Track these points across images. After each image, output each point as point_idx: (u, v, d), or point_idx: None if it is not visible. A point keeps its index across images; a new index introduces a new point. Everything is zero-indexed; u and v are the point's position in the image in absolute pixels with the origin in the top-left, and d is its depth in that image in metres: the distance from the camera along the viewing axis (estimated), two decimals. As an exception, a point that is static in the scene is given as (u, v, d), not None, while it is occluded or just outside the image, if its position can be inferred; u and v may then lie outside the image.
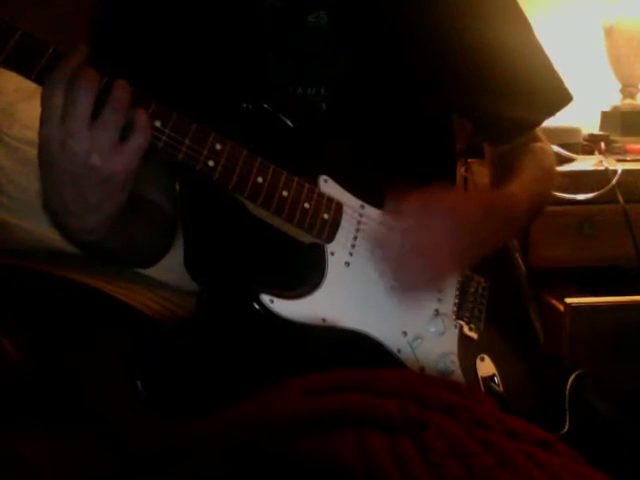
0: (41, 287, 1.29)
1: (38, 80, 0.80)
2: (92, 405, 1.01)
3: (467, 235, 0.93)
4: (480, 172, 1.68)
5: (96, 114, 0.80)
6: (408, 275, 0.93)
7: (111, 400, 1.03)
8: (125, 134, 0.82)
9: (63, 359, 1.11)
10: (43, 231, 1.45)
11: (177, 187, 1.14)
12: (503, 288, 1.08)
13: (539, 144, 1.16)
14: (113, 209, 0.86)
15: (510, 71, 1.08)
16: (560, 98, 1.14)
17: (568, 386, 1.04)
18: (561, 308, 1.63)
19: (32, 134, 1.47)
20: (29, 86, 0.83)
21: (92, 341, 1.16)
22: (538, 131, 1.18)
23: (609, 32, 2.00)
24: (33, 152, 1.46)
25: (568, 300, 1.63)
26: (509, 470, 0.72)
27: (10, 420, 0.92)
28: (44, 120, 0.80)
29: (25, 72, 0.80)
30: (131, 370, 1.01)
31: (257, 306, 0.88)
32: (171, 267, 1.34)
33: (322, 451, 0.71)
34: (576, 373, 1.06)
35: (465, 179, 1.77)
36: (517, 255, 1.13)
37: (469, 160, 1.74)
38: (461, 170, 1.75)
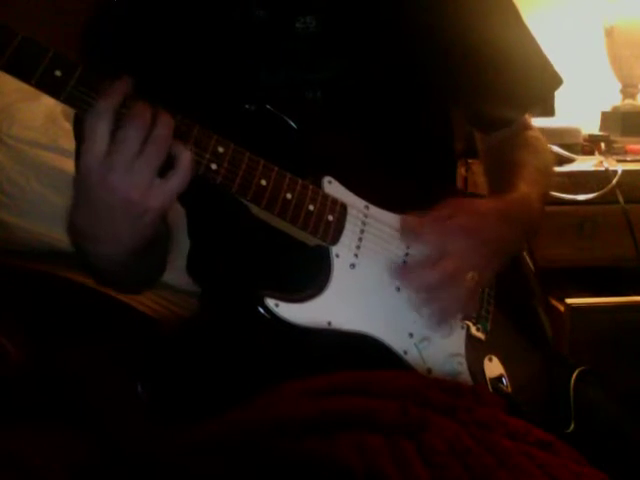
0: (41, 287, 1.30)
1: (38, 85, 0.79)
2: (92, 406, 1.01)
3: (489, 247, 0.94)
4: (480, 172, 1.68)
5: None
6: (444, 307, 0.94)
7: (111, 401, 1.04)
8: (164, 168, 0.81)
9: (63, 360, 1.11)
10: (43, 231, 1.45)
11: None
12: (511, 287, 1.07)
13: (531, 133, 1.16)
14: (138, 243, 0.86)
15: (501, 57, 1.07)
16: (551, 81, 1.14)
17: (572, 383, 1.03)
18: (561, 308, 1.63)
19: (32, 134, 1.49)
20: (30, 87, 0.83)
21: (92, 342, 1.16)
22: (528, 118, 1.18)
23: (609, 32, 1.99)
24: (33, 152, 1.48)
25: (568, 300, 1.63)
26: (509, 470, 0.72)
27: (10, 420, 0.93)
28: (86, 151, 0.78)
29: (25, 77, 0.79)
30: (132, 372, 1.01)
31: (262, 310, 0.86)
32: (173, 268, 1.34)
33: (322, 452, 0.71)
34: (579, 370, 1.05)
35: (465, 179, 1.77)
36: (525, 254, 1.13)
37: (469, 160, 1.74)
38: (461, 170, 1.75)
